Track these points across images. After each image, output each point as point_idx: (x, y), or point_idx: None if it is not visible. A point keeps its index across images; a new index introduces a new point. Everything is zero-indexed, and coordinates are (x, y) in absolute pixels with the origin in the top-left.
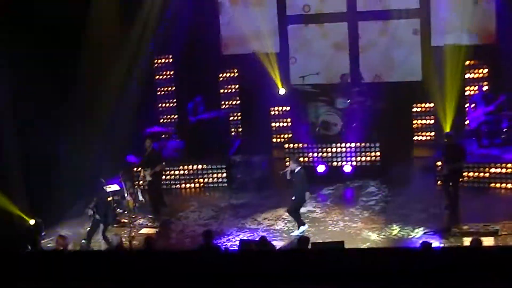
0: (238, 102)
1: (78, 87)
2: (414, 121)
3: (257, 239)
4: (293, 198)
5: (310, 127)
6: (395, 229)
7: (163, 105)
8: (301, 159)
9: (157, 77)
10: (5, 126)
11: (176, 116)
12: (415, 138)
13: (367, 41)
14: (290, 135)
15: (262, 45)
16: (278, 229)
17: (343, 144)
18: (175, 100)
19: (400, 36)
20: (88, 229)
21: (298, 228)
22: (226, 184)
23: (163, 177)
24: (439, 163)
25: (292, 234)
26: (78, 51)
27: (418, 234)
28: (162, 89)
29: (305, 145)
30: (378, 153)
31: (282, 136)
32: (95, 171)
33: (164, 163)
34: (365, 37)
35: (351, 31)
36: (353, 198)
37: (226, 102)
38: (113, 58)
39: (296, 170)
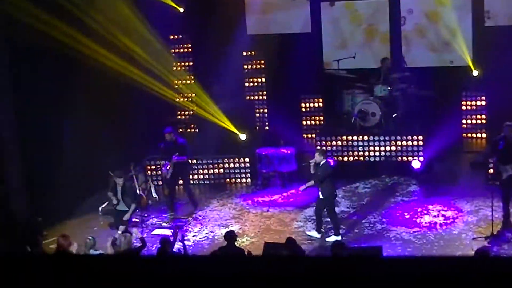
0: (265, 92)
1: (84, 70)
2: (464, 110)
3: (284, 241)
4: (321, 196)
5: (345, 117)
6: (440, 233)
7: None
8: (331, 150)
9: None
10: (4, 115)
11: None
12: (464, 124)
13: (411, 22)
14: (321, 128)
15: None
16: (307, 231)
17: (380, 138)
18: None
19: (449, 17)
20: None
21: (335, 233)
22: (249, 180)
23: (191, 172)
24: (491, 160)
25: (327, 239)
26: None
27: (467, 240)
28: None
29: (337, 138)
30: (421, 147)
31: (312, 126)
32: (103, 165)
33: (188, 157)
34: (409, 18)
35: (392, 10)
36: (391, 197)
37: (251, 92)
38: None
39: (322, 163)
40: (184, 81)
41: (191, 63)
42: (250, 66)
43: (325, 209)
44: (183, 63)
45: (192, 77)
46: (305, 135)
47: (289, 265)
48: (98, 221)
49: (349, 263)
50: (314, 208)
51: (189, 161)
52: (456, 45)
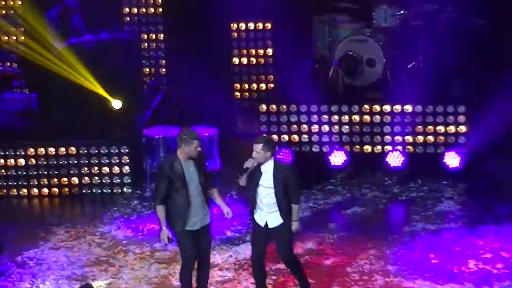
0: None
1: None
2: None
3: None
4: (272, 224)
5: (317, 66)
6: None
7: None
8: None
9: None
10: None
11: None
12: None
13: None
14: (271, 85)
15: None
16: None
17: (385, 107)
18: None
19: None
20: None
21: None
22: (129, 188)
23: None
24: None
25: None
26: None
27: None
28: None
29: (304, 107)
30: (462, 126)
31: (251, 88)
32: None
33: None
34: None
35: None
36: (407, 220)
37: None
38: None
39: (265, 166)
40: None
41: None
42: None
43: (278, 251)
44: None
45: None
46: (237, 102)
47: None
48: None
49: None
50: (252, 248)
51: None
52: None
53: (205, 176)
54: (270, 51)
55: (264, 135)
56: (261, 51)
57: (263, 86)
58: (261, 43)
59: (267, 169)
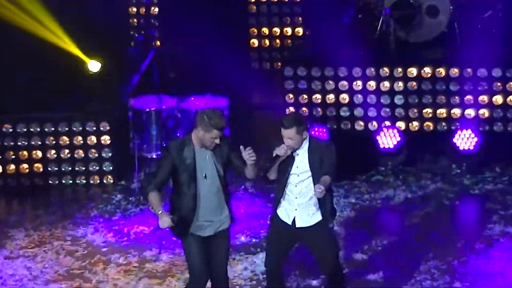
0: None
1: None
2: None
3: None
4: (303, 223)
5: (361, 16)
6: None
7: None
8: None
9: None
10: None
11: None
12: None
13: None
14: (300, 41)
15: None
16: None
17: (454, 70)
18: None
19: None
20: None
21: None
22: (111, 178)
23: None
24: None
25: None
26: None
27: None
28: None
29: (343, 70)
30: None
31: (273, 42)
32: None
33: None
34: None
35: None
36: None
37: None
38: None
39: (300, 150)
40: None
41: None
42: None
43: (318, 259)
44: None
45: None
46: (253, 63)
47: None
48: None
49: None
50: (267, 254)
51: None
52: None
53: (236, 166)
54: None
55: (291, 113)
56: None
57: (288, 41)
58: None
59: (301, 151)
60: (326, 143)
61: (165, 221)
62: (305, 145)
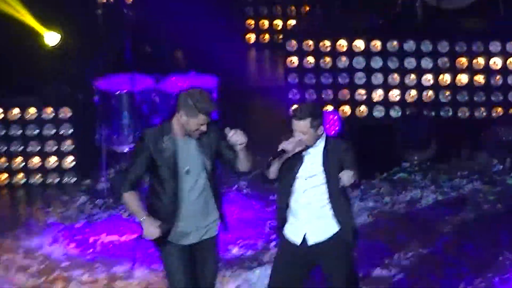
0: None
1: None
2: None
3: None
4: (317, 238)
5: None
6: None
7: None
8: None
9: None
10: None
11: None
12: None
13: None
14: (307, 8)
15: None
16: None
17: (493, 46)
18: None
19: None
20: None
21: None
22: (73, 177)
23: None
24: None
25: None
26: None
27: None
28: None
29: (360, 44)
30: None
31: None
32: None
33: None
34: None
35: None
36: None
37: None
38: None
39: (312, 149)
40: None
41: None
42: None
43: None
44: None
45: None
46: (249, 36)
47: None
48: None
49: None
50: (271, 278)
51: None
52: None
53: (227, 158)
54: None
55: (307, 103)
56: None
57: (293, 9)
58: None
59: (314, 150)
60: (344, 143)
61: (152, 230)
62: (320, 143)
